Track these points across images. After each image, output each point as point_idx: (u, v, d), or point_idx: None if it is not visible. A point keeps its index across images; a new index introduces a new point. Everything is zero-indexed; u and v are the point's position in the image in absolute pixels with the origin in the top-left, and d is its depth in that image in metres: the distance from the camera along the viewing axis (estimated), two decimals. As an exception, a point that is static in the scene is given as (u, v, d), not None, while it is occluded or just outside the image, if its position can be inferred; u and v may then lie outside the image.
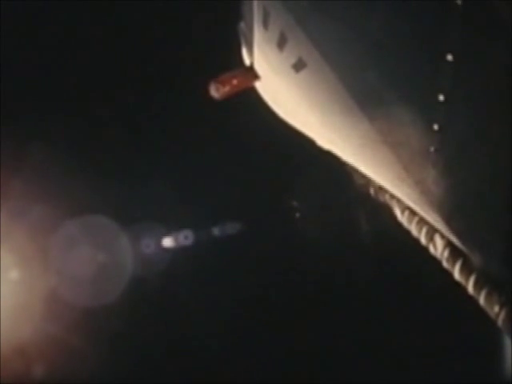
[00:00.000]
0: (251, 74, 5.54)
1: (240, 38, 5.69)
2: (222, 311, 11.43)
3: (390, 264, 11.12)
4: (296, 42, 4.66)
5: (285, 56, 4.84)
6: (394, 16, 4.16)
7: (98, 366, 10.76)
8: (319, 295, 11.58)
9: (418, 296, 11.10)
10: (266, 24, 4.91)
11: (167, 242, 11.81)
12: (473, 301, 4.52)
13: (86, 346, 10.82)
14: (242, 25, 5.59)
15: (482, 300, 4.41)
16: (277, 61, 4.99)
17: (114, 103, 11.32)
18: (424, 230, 5.01)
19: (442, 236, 4.78)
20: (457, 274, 4.66)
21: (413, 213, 5.14)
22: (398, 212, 5.45)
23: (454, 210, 4.44)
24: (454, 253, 4.67)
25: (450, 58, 3.97)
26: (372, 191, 5.96)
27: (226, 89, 5.51)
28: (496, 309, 4.27)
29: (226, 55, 5.83)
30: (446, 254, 4.75)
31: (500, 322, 4.25)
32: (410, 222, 5.23)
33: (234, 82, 5.53)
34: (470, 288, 4.52)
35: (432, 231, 4.90)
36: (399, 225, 5.44)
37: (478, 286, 4.45)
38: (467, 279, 4.55)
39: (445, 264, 4.80)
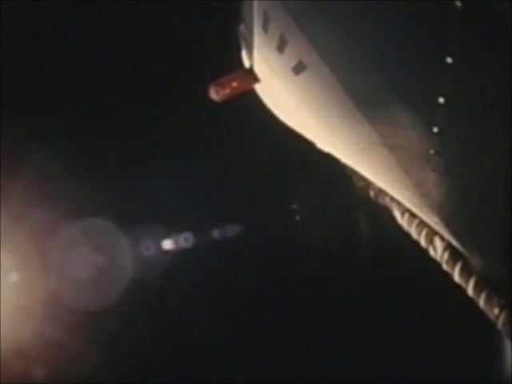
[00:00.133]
0: (251, 76, 5.54)
1: (240, 41, 5.69)
2: (222, 313, 11.42)
3: (390, 266, 11.12)
4: (296, 45, 4.66)
5: (285, 58, 4.84)
6: (394, 18, 4.15)
7: (97, 368, 10.75)
8: (319, 297, 11.57)
9: (417, 298, 11.10)
10: (265, 26, 4.91)
11: (167, 244, 11.80)
12: (472, 303, 4.52)
13: (85, 348, 10.81)
14: (242, 27, 5.59)
15: (481, 302, 4.41)
16: (277, 63, 4.99)
17: (113, 105, 11.31)
18: (424, 233, 5.01)
19: (442, 238, 4.78)
20: (456, 276, 4.66)
21: (413, 215, 5.14)
22: (397, 214, 5.45)
23: (454, 213, 4.43)
24: (454, 255, 4.67)
25: (449, 60, 3.97)
26: (372, 194, 5.96)
27: (226, 91, 5.51)
28: (496, 311, 4.27)
29: (226, 58, 5.83)
30: (445, 256, 4.75)
31: (500, 324, 4.25)
32: (409, 224, 5.23)
33: (234, 84, 5.53)
34: (470, 290, 4.52)
35: (432, 234, 4.90)
36: (399, 227, 5.44)
37: (478, 288, 4.45)
38: (467, 282, 4.55)
39: (445, 266, 4.80)
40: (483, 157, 4.13)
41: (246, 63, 5.61)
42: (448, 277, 4.78)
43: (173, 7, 10.67)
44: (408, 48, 4.15)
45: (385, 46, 4.22)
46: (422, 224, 5.00)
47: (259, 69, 5.43)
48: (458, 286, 4.69)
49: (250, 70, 5.54)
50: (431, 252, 4.98)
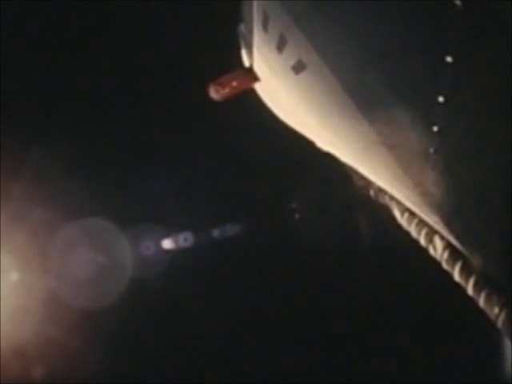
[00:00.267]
0: (251, 75, 5.54)
1: (239, 40, 5.70)
2: (222, 313, 11.42)
3: (390, 265, 11.12)
4: (295, 44, 4.66)
5: (284, 58, 4.84)
6: (394, 18, 4.15)
7: (97, 367, 10.76)
8: (319, 296, 11.57)
9: (417, 297, 11.10)
10: (265, 26, 4.91)
11: (167, 243, 11.81)
12: (473, 302, 4.51)
13: (85, 347, 10.82)
14: (242, 26, 5.60)
15: (481, 301, 4.40)
16: (276, 62, 4.99)
17: (113, 105, 11.32)
18: (424, 232, 5.00)
19: (442, 237, 4.77)
20: (456, 275, 4.65)
21: (412, 214, 5.14)
22: (397, 214, 5.45)
23: (454, 212, 4.43)
24: (454, 254, 4.67)
25: (449, 59, 3.97)
26: (372, 193, 5.95)
27: (226, 90, 5.51)
28: (496, 310, 4.26)
29: (226, 57, 5.83)
30: (445, 255, 4.74)
31: (500, 323, 4.24)
32: (409, 223, 5.22)
33: (234, 83, 5.53)
34: (470, 289, 4.51)
35: (432, 233, 4.90)
36: (399, 226, 5.44)
37: (478, 287, 4.44)
38: (467, 280, 4.54)
39: (444, 265, 4.79)
40: (482, 156, 4.12)
41: (246, 62, 5.62)
42: (448, 276, 4.77)
43: (172, 7, 10.67)
44: (408, 47, 4.15)
45: (384, 45, 4.22)
46: (422, 223, 5.00)
47: (259, 68, 5.43)
48: (457, 285, 4.68)
49: (250, 70, 5.55)
50: (431, 251, 4.97)
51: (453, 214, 4.45)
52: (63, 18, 10.92)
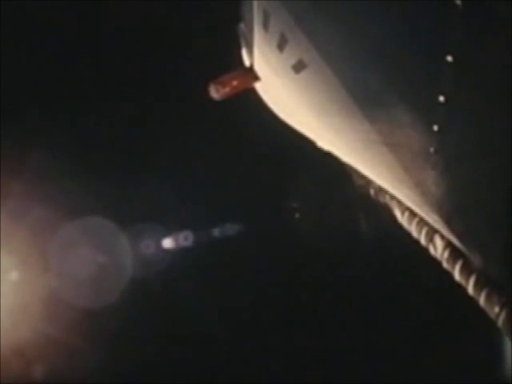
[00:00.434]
0: (251, 74, 5.54)
1: (240, 39, 5.70)
2: (222, 311, 11.43)
3: (390, 265, 11.12)
4: (296, 43, 4.65)
5: (285, 57, 4.84)
6: (394, 17, 4.15)
7: (97, 366, 10.76)
8: (319, 295, 11.57)
9: (417, 296, 11.10)
10: (266, 25, 4.91)
11: (167, 243, 11.82)
12: (473, 301, 4.51)
13: (85, 346, 10.82)
14: (242, 26, 5.60)
15: (482, 301, 4.40)
16: (277, 62, 4.99)
17: (113, 105, 11.32)
18: (424, 231, 5.00)
19: (442, 237, 4.77)
20: (457, 274, 4.65)
21: (413, 214, 5.13)
22: (397, 213, 5.45)
23: (454, 211, 4.43)
24: (454, 254, 4.66)
25: (449, 59, 3.96)
26: (372, 192, 5.95)
27: (226, 90, 5.52)
28: (496, 309, 4.26)
29: (226, 56, 5.83)
30: (446, 254, 4.74)
31: (500, 322, 4.24)
32: (410, 222, 5.22)
33: (234, 83, 5.54)
34: (470, 289, 4.51)
35: (432, 232, 4.89)
36: (399, 226, 5.44)
37: (478, 286, 4.44)
38: (467, 280, 4.54)
39: (445, 265, 4.79)
40: (483, 155, 4.12)
41: (246, 62, 5.62)
42: (448, 275, 4.77)
43: (173, 6, 10.67)
44: (408, 47, 4.15)
45: (385, 45, 4.22)
46: (422, 222, 4.99)
47: (259, 67, 5.43)
48: (458, 285, 4.68)
49: (250, 69, 5.55)
50: (431, 250, 4.97)
51: (453, 214, 4.45)
52: (63, 18, 10.92)
